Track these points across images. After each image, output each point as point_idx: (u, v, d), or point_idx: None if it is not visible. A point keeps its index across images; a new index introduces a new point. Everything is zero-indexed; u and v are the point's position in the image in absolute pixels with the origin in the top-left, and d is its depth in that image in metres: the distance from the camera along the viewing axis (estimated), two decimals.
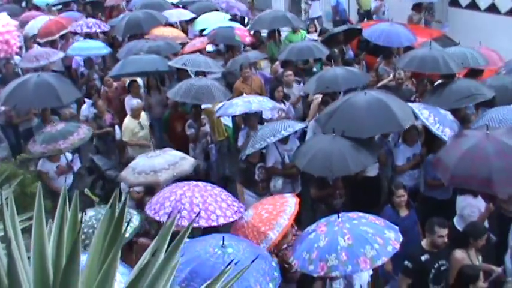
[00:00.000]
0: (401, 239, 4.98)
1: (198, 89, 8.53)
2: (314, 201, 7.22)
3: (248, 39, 11.70)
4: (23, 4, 18.87)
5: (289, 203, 5.69)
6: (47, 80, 8.99)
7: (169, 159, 6.81)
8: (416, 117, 7.20)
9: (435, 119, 7.10)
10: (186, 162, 6.94)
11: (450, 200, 6.81)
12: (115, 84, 10.58)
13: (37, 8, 16.53)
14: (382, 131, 7.40)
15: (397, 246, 4.85)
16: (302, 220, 6.66)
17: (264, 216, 5.54)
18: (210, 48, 11.76)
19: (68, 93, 9.12)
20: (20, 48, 12.09)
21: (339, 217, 5.08)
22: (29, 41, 12.98)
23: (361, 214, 5.24)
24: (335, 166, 6.54)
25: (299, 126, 7.58)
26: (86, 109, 9.94)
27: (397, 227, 5.15)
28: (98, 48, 11.86)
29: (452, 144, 6.49)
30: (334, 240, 4.78)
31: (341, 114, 7.09)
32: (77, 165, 8.55)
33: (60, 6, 16.41)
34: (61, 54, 11.84)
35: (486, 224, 6.51)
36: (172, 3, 14.68)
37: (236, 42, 11.42)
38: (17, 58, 11.96)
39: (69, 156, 8.35)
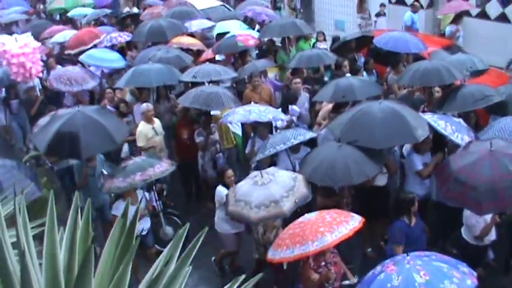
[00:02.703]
0: (475, 273, 4.55)
1: (208, 95, 8.55)
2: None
3: (252, 42, 11.64)
4: (57, 17, 18.75)
5: (354, 218, 5.48)
6: (92, 118, 7.31)
7: (284, 184, 6.26)
8: (433, 129, 7.07)
9: (452, 128, 6.99)
10: (300, 183, 6.38)
11: (461, 208, 6.76)
12: (116, 98, 10.37)
13: (71, 21, 16.25)
14: (396, 142, 7.29)
15: (475, 281, 4.39)
16: None
17: (327, 220, 5.39)
18: (218, 57, 11.84)
19: (119, 130, 7.58)
20: (43, 71, 11.33)
21: (407, 255, 4.71)
22: (50, 60, 12.35)
23: (427, 252, 4.96)
24: (338, 176, 6.48)
25: (310, 135, 7.56)
26: None
27: (464, 263, 4.76)
28: (111, 60, 11.59)
29: (451, 160, 6.36)
30: (410, 278, 4.38)
31: (356, 123, 7.00)
32: (157, 205, 7.64)
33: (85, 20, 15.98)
34: (92, 84, 10.87)
35: (494, 233, 6.49)
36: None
37: (239, 48, 11.38)
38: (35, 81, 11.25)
39: (147, 195, 7.48)
